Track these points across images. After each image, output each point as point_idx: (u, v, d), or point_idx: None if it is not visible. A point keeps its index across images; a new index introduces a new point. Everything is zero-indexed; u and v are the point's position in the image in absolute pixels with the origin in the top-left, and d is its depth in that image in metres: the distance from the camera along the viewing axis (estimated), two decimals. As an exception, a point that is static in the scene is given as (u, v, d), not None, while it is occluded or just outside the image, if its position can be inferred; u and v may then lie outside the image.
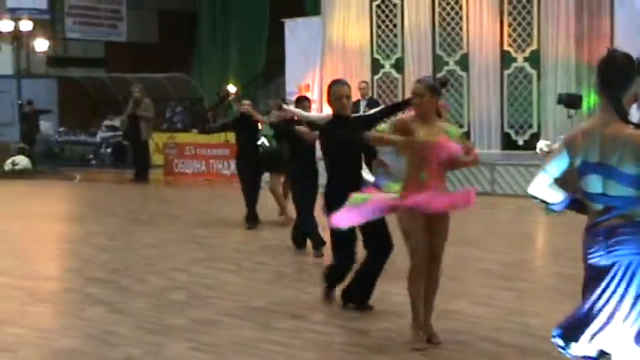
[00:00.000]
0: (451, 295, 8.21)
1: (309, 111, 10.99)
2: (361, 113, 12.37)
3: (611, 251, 4.35)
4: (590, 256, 4.44)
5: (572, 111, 16.46)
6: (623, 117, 4.34)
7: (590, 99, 17.57)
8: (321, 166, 9.23)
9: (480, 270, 9.55)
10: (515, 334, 6.87)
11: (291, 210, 11.63)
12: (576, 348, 4.41)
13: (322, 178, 8.47)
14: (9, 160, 22.95)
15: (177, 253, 10.81)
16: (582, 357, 4.42)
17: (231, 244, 11.53)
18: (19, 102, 25.50)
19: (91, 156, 26.00)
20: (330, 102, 7.78)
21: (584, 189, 4.49)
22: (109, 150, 25.77)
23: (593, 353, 4.37)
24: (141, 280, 9.24)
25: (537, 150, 16.30)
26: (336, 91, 7.71)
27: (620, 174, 4.33)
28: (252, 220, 12.61)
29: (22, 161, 23.01)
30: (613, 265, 4.35)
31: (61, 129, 27.68)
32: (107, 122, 26.61)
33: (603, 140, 4.39)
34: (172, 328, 7.20)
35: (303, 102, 10.88)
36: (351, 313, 7.51)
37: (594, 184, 4.44)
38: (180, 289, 8.72)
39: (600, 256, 4.39)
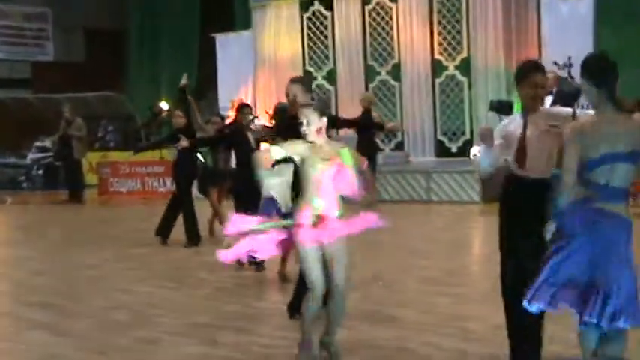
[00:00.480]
0: (394, 303, 8.30)
1: (251, 118, 11.02)
2: None
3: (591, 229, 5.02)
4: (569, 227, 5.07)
5: (504, 117, 16.65)
6: (620, 108, 5.10)
7: (520, 104, 17.85)
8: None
9: (421, 277, 9.63)
10: (456, 338, 6.96)
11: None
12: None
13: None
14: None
15: (118, 273, 10.68)
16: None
17: (171, 262, 11.43)
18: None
19: (22, 178, 25.55)
20: None
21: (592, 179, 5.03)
22: (40, 172, 25.36)
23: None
24: (81, 301, 9.09)
25: (471, 156, 16.42)
26: None
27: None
28: (196, 237, 12.53)
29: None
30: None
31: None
32: (38, 143, 26.15)
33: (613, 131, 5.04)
34: (117, 349, 7.11)
35: (244, 109, 10.91)
36: (297, 324, 7.45)
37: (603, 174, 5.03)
38: (122, 308, 8.61)
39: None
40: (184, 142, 11.75)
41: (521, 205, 5.66)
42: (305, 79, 8.01)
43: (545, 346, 5.82)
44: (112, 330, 7.73)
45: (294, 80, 7.73)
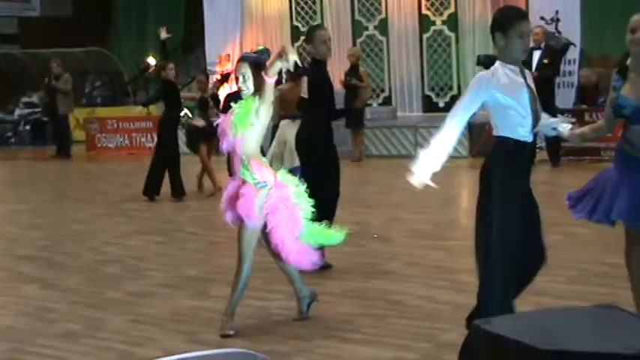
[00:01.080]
0: (384, 257, 8.40)
1: None
2: None
3: None
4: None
5: (491, 72, 16.71)
6: None
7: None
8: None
9: (409, 231, 9.71)
10: (447, 291, 7.04)
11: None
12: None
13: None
14: None
15: (108, 228, 10.74)
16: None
17: (160, 217, 11.49)
18: None
19: (10, 134, 25.46)
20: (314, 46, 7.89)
21: None
22: (27, 127, 25.29)
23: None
24: (73, 255, 9.18)
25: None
26: (319, 34, 7.90)
27: None
28: (180, 192, 12.59)
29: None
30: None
31: (-23, 108, 27.05)
32: (25, 99, 26.05)
33: None
34: (110, 302, 7.20)
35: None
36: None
37: None
38: (114, 262, 8.69)
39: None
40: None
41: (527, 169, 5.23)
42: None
43: (534, 297, 5.87)
44: (104, 284, 7.82)
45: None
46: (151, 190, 12.64)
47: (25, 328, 6.58)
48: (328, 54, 7.93)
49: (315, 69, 8.03)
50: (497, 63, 5.08)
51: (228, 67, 20.43)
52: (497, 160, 5.05)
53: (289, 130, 9.14)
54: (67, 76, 20.15)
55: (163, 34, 12.96)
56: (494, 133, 5.11)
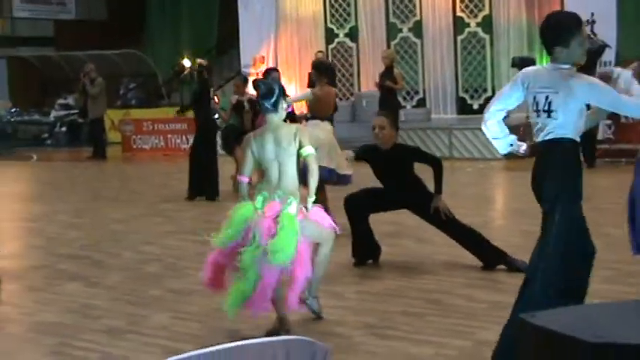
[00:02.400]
0: (422, 257, 8.46)
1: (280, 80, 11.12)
2: None
3: None
4: None
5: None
6: None
7: (543, 61, 17.85)
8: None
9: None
10: (486, 290, 7.09)
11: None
12: None
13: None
14: (-38, 142, 22.69)
15: (146, 228, 10.86)
16: None
17: (198, 216, 11.60)
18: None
19: (46, 135, 25.75)
20: None
21: None
22: (63, 129, 25.57)
23: None
24: (113, 254, 9.30)
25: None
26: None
27: None
28: (215, 192, 12.72)
29: (-24, 144, 22.78)
30: None
31: (13, 109, 27.36)
32: (61, 101, 26.33)
33: None
34: (151, 299, 7.30)
35: (272, 73, 11.05)
36: (329, 274, 7.53)
37: None
38: (153, 261, 8.80)
39: None
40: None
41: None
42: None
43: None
44: (145, 282, 7.94)
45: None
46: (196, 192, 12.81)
47: (70, 323, 6.70)
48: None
49: None
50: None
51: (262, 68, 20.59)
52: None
53: (318, 130, 9.25)
54: (99, 81, 20.26)
55: (185, 66, 13.22)
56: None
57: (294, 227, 5.85)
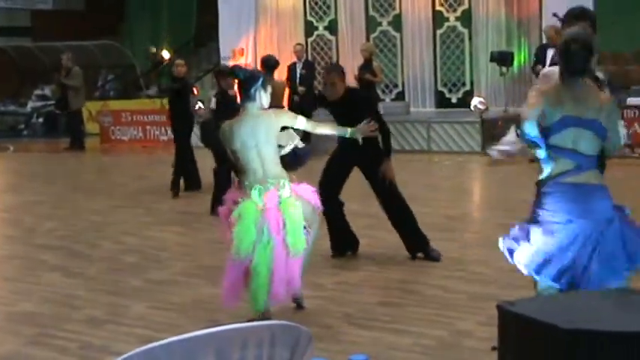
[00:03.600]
0: (397, 249, 8.48)
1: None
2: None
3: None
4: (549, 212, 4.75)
5: (504, 68, 16.83)
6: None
7: (521, 56, 17.98)
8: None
9: (423, 224, 9.71)
10: (462, 281, 7.18)
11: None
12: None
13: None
14: (-61, 134, 22.51)
15: (125, 219, 10.86)
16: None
17: (176, 207, 11.61)
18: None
19: (22, 126, 25.62)
20: None
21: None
22: (40, 120, 25.45)
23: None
24: (92, 245, 9.31)
25: (471, 107, 16.63)
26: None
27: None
28: (197, 184, 12.71)
29: (-48, 134, 22.60)
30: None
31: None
32: (38, 92, 26.21)
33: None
34: (131, 290, 7.32)
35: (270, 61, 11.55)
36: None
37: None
38: (133, 252, 8.82)
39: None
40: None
41: None
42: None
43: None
44: (125, 272, 7.96)
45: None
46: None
47: (49, 313, 6.72)
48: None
49: None
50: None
51: (242, 60, 20.56)
52: None
53: None
54: (76, 70, 20.16)
55: (163, 57, 13.12)
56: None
57: (298, 213, 5.93)
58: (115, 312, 6.68)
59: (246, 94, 6.04)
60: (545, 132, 4.69)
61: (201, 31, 25.49)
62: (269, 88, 6.16)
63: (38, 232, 10.20)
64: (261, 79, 6.08)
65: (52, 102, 24.27)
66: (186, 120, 12.73)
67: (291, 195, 5.97)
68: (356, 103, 7.78)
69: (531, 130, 4.70)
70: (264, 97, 6.08)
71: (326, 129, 6.59)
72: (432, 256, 7.91)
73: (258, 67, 12.06)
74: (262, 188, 5.91)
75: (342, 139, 7.66)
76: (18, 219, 11.33)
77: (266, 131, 5.97)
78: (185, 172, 12.64)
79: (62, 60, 20.27)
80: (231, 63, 19.70)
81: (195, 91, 13.26)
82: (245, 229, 5.85)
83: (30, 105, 25.89)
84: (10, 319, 6.69)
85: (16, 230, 10.55)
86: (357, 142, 6.90)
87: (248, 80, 6.04)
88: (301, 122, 6.18)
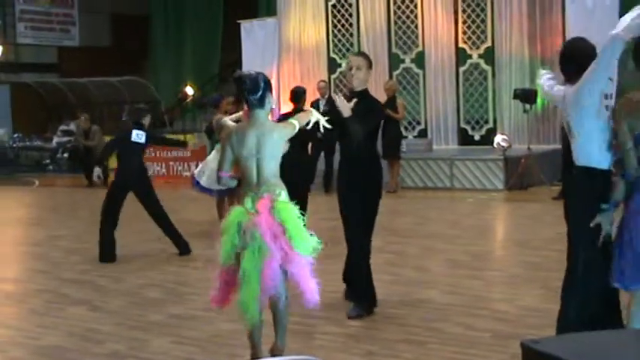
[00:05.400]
0: (420, 285, 8.46)
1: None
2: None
3: None
4: None
5: (528, 105, 16.82)
6: None
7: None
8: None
9: (446, 261, 9.75)
10: (486, 319, 7.09)
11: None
12: None
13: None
14: (-35, 168, 22.73)
15: (148, 253, 10.90)
16: None
17: (200, 243, 11.59)
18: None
19: (48, 161, 25.86)
20: None
21: None
22: (65, 155, 25.66)
23: None
24: (115, 279, 9.36)
25: (494, 144, 16.63)
26: None
27: None
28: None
29: (-22, 169, 22.82)
30: None
31: (16, 135, 27.49)
32: (63, 127, 26.47)
33: None
34: (153, 324, 7.33)
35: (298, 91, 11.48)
36: (331, 302, 7.51)
37: None
38: (155, 286, 8.84)
39: None
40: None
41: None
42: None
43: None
44: (147, 307, 7.97)
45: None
46: None
47: (73, 347, 6.74)
48: None
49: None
50: None
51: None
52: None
53: None
54: (95, 129, 20.44)
55: (187, 93, 13.14)
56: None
57: (295, 214, 5.70)
58: (137, 346, 6.69)
59: (254, 100, 5.77)
60: None
61: (226, 67, 25.72)
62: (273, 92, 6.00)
63: (63, 266, 10.27)
64: (266, 82, 5.83)
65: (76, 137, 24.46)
66: None
67: (286, 201, 5.77)
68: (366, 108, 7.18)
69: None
70: (272, 101, 5.88)
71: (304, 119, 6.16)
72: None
73: (288, 100, 12.04)
74: (255, 195, 5.72)
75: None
76: (44, 253, 11.42)
77: (272, 147, 5.76)
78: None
79: (80, 121, 20.50)
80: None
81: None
82: (228, 233, 5.70)
83: (55, 140, 26.14)
84: (35, 352, 6.71)
85: (42, 264, 10.60)
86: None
87: (255, 85, 5.74)
88: (294, 122, 5.96)
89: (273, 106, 6.05)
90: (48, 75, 29.82)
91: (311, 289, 5.74)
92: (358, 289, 7.42)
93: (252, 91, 5.74)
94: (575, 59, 5.18)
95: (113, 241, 10.62)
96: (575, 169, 5.33)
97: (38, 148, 26.58)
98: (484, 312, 7.34)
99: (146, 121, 10.96)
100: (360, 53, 7.89)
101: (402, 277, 8.92)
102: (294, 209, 5.72)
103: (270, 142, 5.75)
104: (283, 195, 5.77)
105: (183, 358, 6.37)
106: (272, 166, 5.78)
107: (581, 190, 5.28)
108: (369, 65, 7.35)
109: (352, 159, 7.39)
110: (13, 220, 15.42)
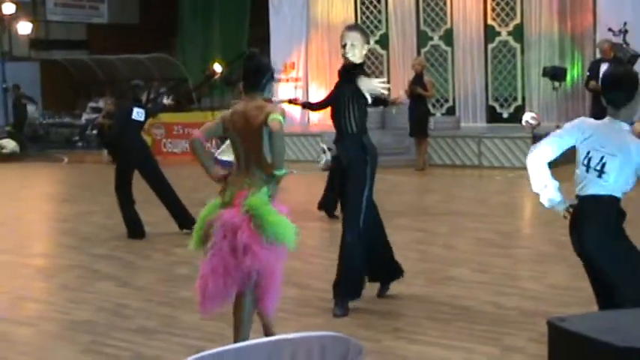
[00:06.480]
0: (449, 263, 8.47)
1: None
2: None
3: None
4: None
5: (557, 83, 16.70)
6: None
7: (574, 71, 17.83)
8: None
9: (475, 239, 9.74)
10: (514, 297, 7.09)
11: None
12: None
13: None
14: (-5, 144, 22.88)
15: (177, 230, 10.93)
16: None
17: (227, 220, 11.65)
18: (4, 86, 25.42)
19: (77, 138, 25.98)
20: None
21: None
22: (94, 131, 25.75)
23: None
24: (144, 256, 9.44)
25: (523, 122, 16.53)
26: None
27: None
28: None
29: (9, 145, 22.94)
30: None
31: (46, 112, 27.65)
32: (92, 104, 26.58)
33: None
34: (183, 300, 7.37)
35: None
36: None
37: None
38: (183, 263, 8.87)
39: None
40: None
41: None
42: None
43: None
44: (175, 283, 8.01)
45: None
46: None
47: (103, 322, 6.81)
48: None
49: None
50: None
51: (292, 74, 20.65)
52: None
53: None
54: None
55: (216, 70, 13.08)
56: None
57: (264, 201, 5.25)
58: (167, 322, 6.74)
59: (256, 83, 5.46)
60: None
61: (254, 44, 25.64)
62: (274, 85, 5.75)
63: (93, 242, 10.35)
64: (272, 71, 5.59)
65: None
66: None
67: (266, 197, 5.29)
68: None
69: None
70: (272, 90, 5.66)
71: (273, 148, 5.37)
72: None
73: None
74: (235, 189, 5.36)
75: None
76: (74, 228, 11.52)
77: (258, 125, 5.30)
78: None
79: (107, 103, 20.54)
80: (282, 76, 19.87)
81: None
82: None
83: (84, 117, 26.25)
84: (66, 327, 6.78)
85: (73, 240, 10.68)
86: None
87: (263, 69, 5.51)
88: (274, 116, 5.27)
89: (272, 97, 5.83)
90: (77, 52, 29.93)
91: (270, 297, 5.44)
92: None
93: (259, 74, 5.48)
94: (623, 87, 5.00)
95: (137, 216, 10.70)
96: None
97: (68, 124, 26.70)
98: (512, 290, 7.34)
99: (143, 97, 11.10)
100: (355, 27, 7.34)
101: (430, 254, 8.93)
102: (263, 198, 5.26)
103: (256, 123, 5.32)
104: (265, 193, 5.29)
105: (214, 333, 6.40)
106: (260, 151, 5.33)
107: (603, 219, 4.98)
108: (366, 40, 6.96)
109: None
110: (43, 196, 15.55)
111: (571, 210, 5.11)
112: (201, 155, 5.66)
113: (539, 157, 5.13)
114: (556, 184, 5.16)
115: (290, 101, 8.56)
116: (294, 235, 5.26)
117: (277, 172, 5.26)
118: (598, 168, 4.87)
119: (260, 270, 5.30)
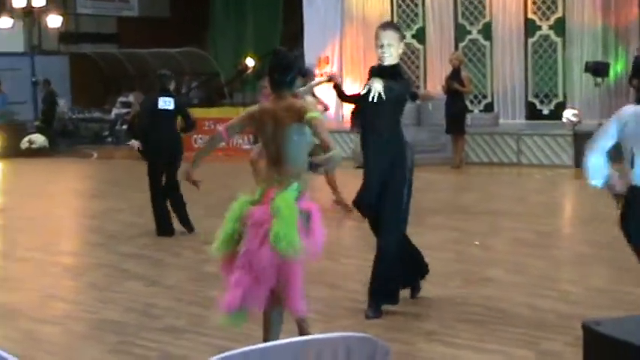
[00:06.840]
0: (486, 264, 8.30)
1: None
2: None
3: None
4: None
5: (599, 79, 16.27)
6: None
7: (618, 66, 17.38)
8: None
9: (512, 239, 9.59)
10: (551, 300, 6.89)
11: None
12: None
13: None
14: (25, 139, 22.72)
15: (208, 228, 10.59)
16: None
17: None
18: (34, 80, 25.34)
19: (107, 133, 25.83)
20: None
21: None
22: (124, 127, 25.57)
23: None
24: (174, 254, 9.26)
25: (564, 119, 16.14)
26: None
27: None
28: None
29: (39, 140, 22.82)
30: None
31: (75, 107, 27.56)
32: (122, 99, 26.40)
33: None
34: (211, 300, 7.07)
35: None
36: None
37: None
38: (214, 262, 8.50)
39: None
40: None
41: None
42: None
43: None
44: (205, 282, 7.78)
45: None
46: None
47: (131, 322, 6.67)
48: None
49: None
50: None
51: (327, 69, 20.34)
52: None
53: None
54: None
55: (248, 65, 12.72)
56: None
57: (290, 210, 5.10)
58: (195, 322, 6.58)
59: (283, 79, 5.27)
60: None
61: (287, 38, 25.38)
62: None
63: (121, 240, 10.15)
64: (299, 67, 5.45)
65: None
66: None
67: (295, 197, 5.18)
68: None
69: None
70: (298, 86, 5.55)
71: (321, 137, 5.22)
72: None
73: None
74: (265, 185, 5.27)
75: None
76: (102, 226, 11.32)
77: (289, 123, 5.17)
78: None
79: (133, 107, 20.36)
80: (316, 71, 19.54)
81: None
82: (228, 222, 5.45)
83: (114, 112, 26.10)
84: (94, 327, 6.67)
85: (101, 237, 10.49)
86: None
87: (291, 65, 5.31)
88: (312, 114, 5.18)
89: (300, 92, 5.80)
90: (107, 46, 29.86)
91: (293, 295, 5.32)
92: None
93: (287, 70, 5.28)
94: None
95: (167, 214, 10.41)
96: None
97: (97, 119, 26.58)
98: (549, 292, 7.13)
99: (172, 86, 10.65)
100: (389, 25, 7.04)
101: (466, 254, 8.75)
102: (290, 197, 5.14)
103: (287, 121, 5.18)
104: (297, 190, 5.18)
105: (242, 333, 6.13)
106: (292, 149, 5.21)
107: None
108: (401, 38, 6.68)
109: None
110: (72, 192, 15.42)
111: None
112: (205, 151, 5.80)
113: (596, 151, 5.13)
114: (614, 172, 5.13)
115: (330, 79, 8.03)
116: (297, 253, 5.08)
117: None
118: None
119: (279, 269, 5.22)
